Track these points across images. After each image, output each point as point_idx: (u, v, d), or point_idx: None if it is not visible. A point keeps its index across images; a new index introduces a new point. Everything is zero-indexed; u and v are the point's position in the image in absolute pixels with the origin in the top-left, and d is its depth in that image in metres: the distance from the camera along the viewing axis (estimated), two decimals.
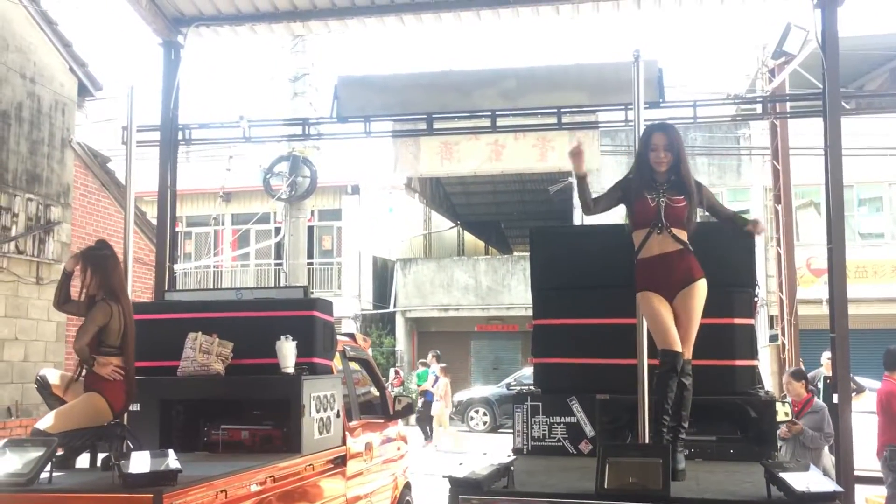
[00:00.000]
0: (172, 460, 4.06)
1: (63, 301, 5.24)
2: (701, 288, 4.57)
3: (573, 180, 5.15)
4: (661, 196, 4.57)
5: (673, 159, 4.63)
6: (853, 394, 8.14)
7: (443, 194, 29.42)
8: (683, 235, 4.60)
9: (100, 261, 5.13)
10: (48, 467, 4.15)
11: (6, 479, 4.02)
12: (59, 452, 4.53)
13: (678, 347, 4.48)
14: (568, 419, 5.45)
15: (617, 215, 6.05)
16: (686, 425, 4.56)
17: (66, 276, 5.20)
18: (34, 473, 4.05)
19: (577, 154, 4.71)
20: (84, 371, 5.00)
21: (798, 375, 8.80)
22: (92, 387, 4.94)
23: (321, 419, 5.63)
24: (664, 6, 9.20)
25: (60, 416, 4.83)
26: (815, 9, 8.35)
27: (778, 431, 7.23)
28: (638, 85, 5.16)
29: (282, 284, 20.45)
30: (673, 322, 4.54)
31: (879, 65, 21.38)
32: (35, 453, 4.16)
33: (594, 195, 4.74)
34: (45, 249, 11.47)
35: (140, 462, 3.99)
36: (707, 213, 4.96)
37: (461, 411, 23.11)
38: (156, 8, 9.38)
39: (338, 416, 5.93)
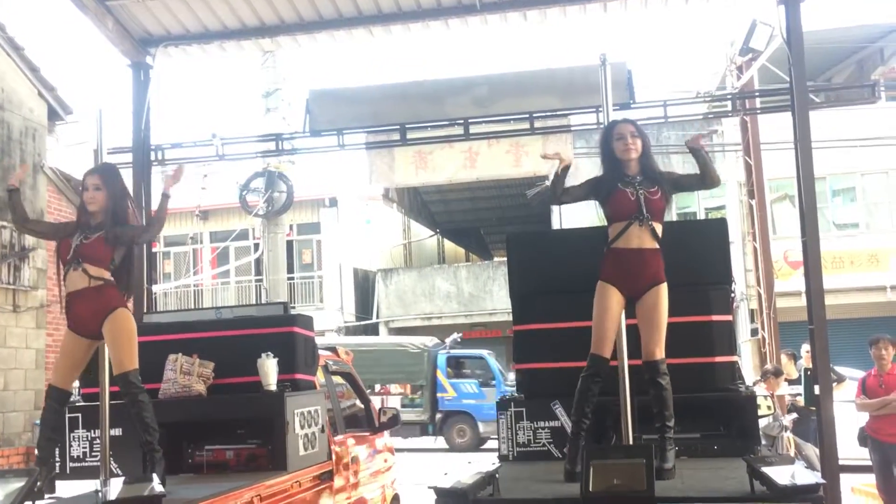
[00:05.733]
0: (156, 484, 4.03)
1: (23, 220, 5.04)
2: (665, 290, 4.63)
3: (548, 182, 5.16)
4: (637, 189, 4.61)
5: (642, 147, 4.69)
6: (833, 384, 8.22)
7: (421, 203, 29.45)
8: (660, 229, 4.65)
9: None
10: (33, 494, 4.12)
11: None
12: (39, 483, 4.48)
13: (607, 354, 4.59)
14: (552, 424, 5.46)
15: (596, 217, 6.08)
16: (671, 424, 4.60)
17: (15, 193, 4.97)
18: None
19: (552, 157, 4.77)
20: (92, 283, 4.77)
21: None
22: (116, 303, 4.83)
23: (306, 435, 5.61)
24: (630, 8, 9.27)
25: (124, 352, 4.74)
26: (779, 5, 8.43)
27: (784, 422, 7.75)
28: (606, 89, 5.21)
29: (263, 300, 20.38)
30: (615, 329, 4.62)
31: (846, 57, 21.67)
32: (17, 483, 4.12)
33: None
34: (20, 277, 11.36)
35: (124, 487, 3.97)
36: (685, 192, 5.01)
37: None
38: (122, 29, 9.33)
39: (322, 431, 5.91)
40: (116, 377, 4.76)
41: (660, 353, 4.58)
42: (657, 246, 4.63)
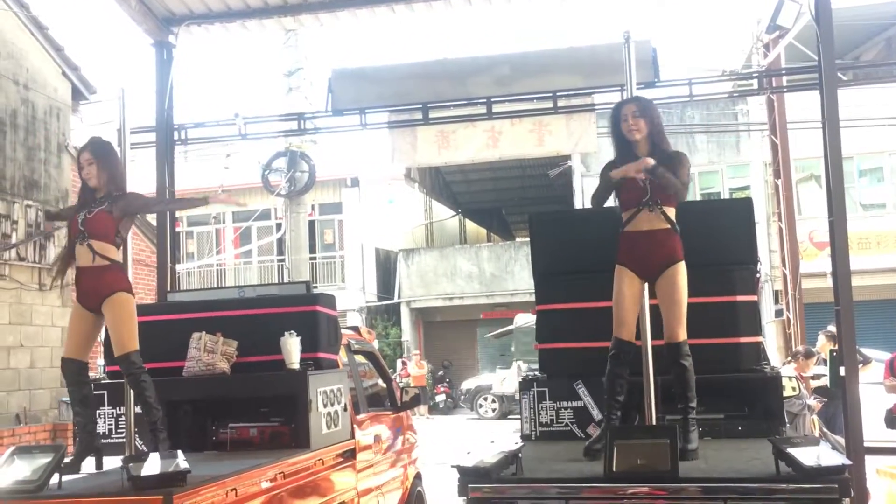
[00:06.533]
0: (181, 461, 4.05)
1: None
2: (682, 269, 4.57)
3: (571, 163, 5.12)
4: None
5: (647, 126, 4.61)
6: (860, 365, 8.14)
7: (443, 183, 29.37)
8: (672, 212, 4.59)
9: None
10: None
11: (16, 487, 4.03)
12: (67, 459, 4.52)
13: (628, 337, 4.57)
14: (575, 403, 5.45)
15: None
16: (693, 405, 4.58)
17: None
18: (43, 479, 4.06)
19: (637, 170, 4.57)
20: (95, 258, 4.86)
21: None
22: (117, 286, 4.88)
23: (329, 414, 5.63)
24: None
25: (124, 333, 4.83)
26: None
27: (810, 403, 8.39)
28: (630, 67, 5.15)
29: (285, 280, 20.47)
30: (634, 311, 4.58)
31: (875, 34, 21.28)
32: (44, 459, 4.17)
33: (592, 176, 4.80)
34: (46, 255, 11.47)
35: (149, 464, 4.00)
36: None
37: (470, 399, 23.20)
38: (145, 8, 9.33)
39: (345, 409, 5.94)
40: (117, 358, 4.88)
41: (682, 334, 4.54)
42: (669, 226, 4.58)
